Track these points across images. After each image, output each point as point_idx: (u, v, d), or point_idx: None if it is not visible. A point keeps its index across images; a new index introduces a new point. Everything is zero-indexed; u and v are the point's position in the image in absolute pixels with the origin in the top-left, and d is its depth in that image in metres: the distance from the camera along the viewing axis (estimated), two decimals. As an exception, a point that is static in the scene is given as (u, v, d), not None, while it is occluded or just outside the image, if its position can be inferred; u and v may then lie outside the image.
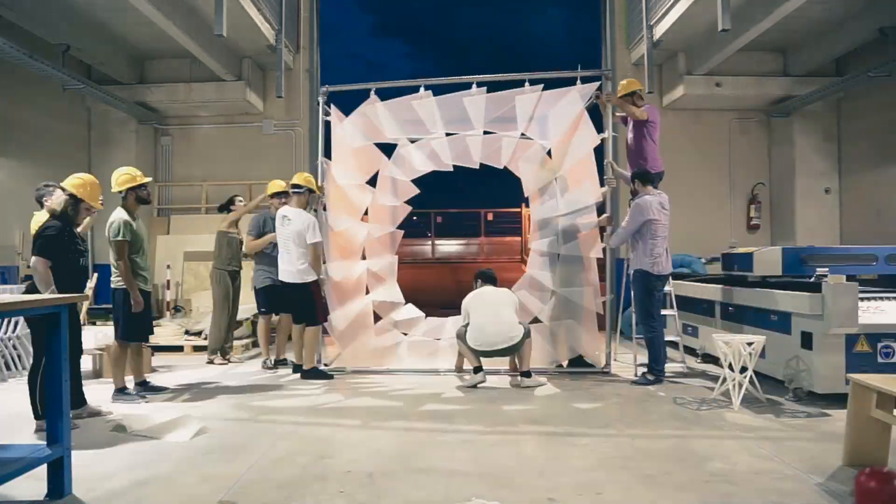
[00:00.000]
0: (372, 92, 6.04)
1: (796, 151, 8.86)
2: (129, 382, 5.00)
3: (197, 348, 7.25)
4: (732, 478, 3.09)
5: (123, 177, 5.01)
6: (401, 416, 4.37)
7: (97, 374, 5.89)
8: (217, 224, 9.13)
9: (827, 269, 4.98)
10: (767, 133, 9.32)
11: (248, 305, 7.87)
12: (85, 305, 7.21)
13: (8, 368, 5.69)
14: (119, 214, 4.86)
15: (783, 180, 9.09)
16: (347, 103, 6.35)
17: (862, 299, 4.45)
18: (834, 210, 8.90)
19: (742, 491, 2.93)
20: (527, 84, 5.78)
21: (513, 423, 4.18)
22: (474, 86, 5.78)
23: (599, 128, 5.85)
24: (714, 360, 6.14)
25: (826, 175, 8.89)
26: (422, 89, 5.86)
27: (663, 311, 5.60)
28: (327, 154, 6.23)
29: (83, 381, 4.55)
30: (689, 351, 6.76)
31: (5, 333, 5.72)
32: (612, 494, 2.91)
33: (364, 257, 6.47)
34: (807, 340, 4.59)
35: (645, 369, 5.41)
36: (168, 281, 8.57)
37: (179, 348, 7.25)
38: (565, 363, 5.98)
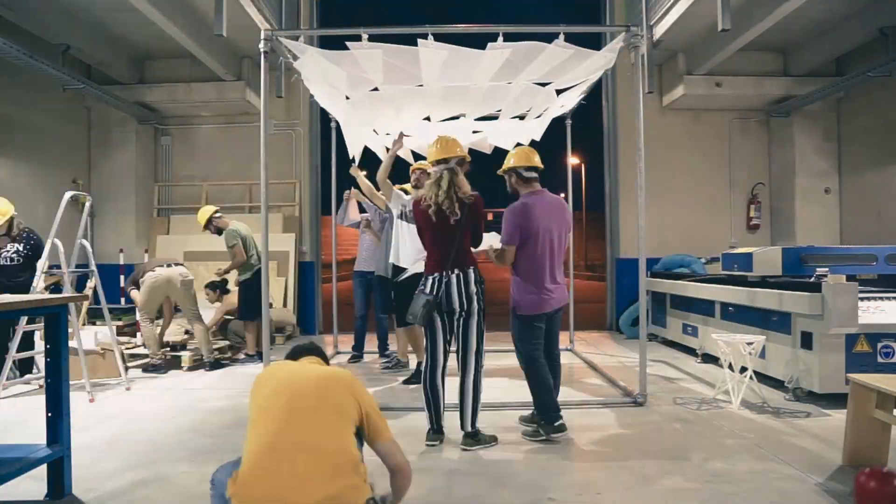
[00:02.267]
0: (364, 38, 4.68)
1: (796, 151, 8.85)
2: None
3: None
4: (732, 478, 3.09)
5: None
6: (401, 417, 4.37)
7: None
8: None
9: (827, 269, 4.98)
10: (767, 133, 9.32)
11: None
12: (85, 305, 7.21)
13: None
14: None
15: (783, 180, 9.09)
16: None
17: (862, 299, 4.45)
18: (834, 210, 8.89)
19: (742, 491, 2.93)
20: (561, 37, 4.68)
21: (512, 423, 4.18)
22: (500, 38, 4.63)
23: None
24: (714, 360, 6.14)
25: (826, 175, 8.89)
26: (430, 37, 4.67)
27: None
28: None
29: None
30: (689, 351, 6.77)
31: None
32: (612, 494, 2.92)
33: None
34: (807, 340, 4.59)
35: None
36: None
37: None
38: None
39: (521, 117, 6.46)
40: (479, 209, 3.77)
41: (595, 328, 9.37)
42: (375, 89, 5.49)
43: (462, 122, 6.57)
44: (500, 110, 6.23)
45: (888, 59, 6.89)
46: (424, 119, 6.42)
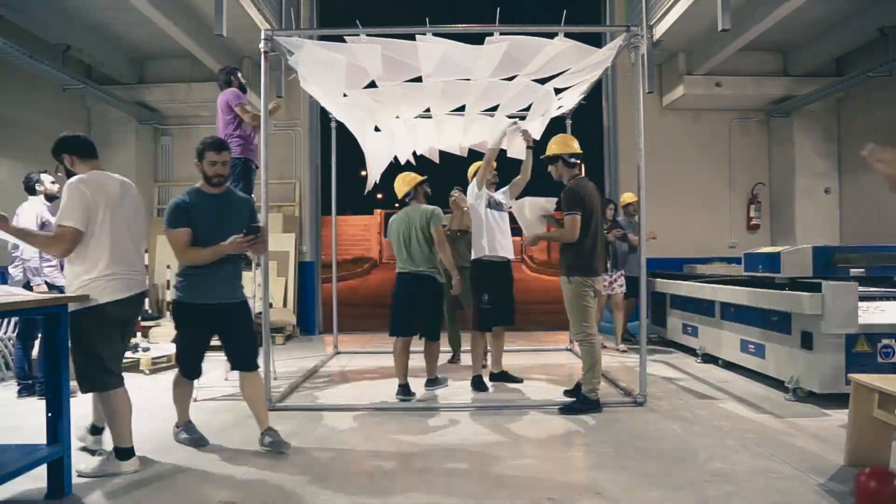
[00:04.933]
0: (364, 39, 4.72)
1: (796, 151, 8.85)
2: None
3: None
4: (732, 478, 3.09)
5: None
6: (401, 417, 4.37)
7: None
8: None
9: (863, 270, 4.83)
10: (767, 133, 9.32)
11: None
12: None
13: (8, 368, 5.69)
14: None
15: (783, 180, 9.09)
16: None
17: (862, 299, 4.45)
18: (834, 210, 8.89)
19: (742, 491, 2.93)
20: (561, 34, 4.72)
21: (512, 423, 4.18)
22: (496, 34, 4.66)
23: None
24: (714, 360, 6.14)
25: (826, 175, 8.89)
26: (428, 35, 4.69)
27: None
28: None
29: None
30: (689, 351, 6.77)
31: (5, 333, 5.72)
32: (612, 494, 2.91)
33: None
34: (807, 340, 4.59)
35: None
36: (168, 281, 8.56)
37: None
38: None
39: (522, 118, 6.46)
40: None
41: (595, 328, 9.35)
42: (374, 85, 5.48)
43: (462, 125, 6.55)
44: (497, 105, 6.16)
45: (888, 59, 6.89)
46: (425, 112, 6.33)
